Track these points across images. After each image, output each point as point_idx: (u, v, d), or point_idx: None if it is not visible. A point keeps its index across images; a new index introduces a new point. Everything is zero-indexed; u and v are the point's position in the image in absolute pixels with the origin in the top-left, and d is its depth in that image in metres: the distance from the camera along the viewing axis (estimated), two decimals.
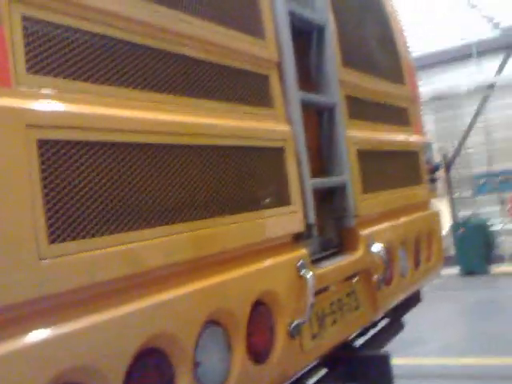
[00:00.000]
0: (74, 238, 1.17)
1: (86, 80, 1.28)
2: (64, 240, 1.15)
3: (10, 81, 1.12)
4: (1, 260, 1.03)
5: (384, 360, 2.49)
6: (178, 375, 1.37)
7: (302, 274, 1.87)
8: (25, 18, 1.17)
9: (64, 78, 1.23)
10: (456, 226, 10.08)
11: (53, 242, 1.12)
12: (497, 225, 10.72)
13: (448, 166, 10.51)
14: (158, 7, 1.51)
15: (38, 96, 1.17)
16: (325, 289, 2.11)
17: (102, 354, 1.17)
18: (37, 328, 1.08)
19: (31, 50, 1.17)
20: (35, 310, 1.10)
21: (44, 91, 1.18)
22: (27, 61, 1.16)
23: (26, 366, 1.04)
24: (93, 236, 1.21)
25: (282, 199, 1.89)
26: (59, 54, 1.23)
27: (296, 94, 2.05)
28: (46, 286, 1.10)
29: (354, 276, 2.33)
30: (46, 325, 1.10)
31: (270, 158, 1.86)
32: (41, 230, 1.10)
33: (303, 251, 1.94)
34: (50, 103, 1.18)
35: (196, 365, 1.43)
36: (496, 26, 11.20)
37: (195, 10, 1.65)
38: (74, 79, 1.25)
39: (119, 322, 1.23)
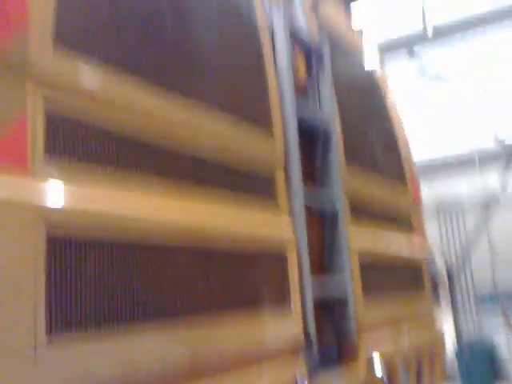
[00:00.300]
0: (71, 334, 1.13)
1: (98, 176, 1.29)
2: (61, 335, 1.10)
3: (26, 166, 1.13)
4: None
5: None
6: None
7: None
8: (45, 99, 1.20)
9: (77, 172, 1.24)
10: (460, 351, 9.74)
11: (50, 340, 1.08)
12: (502, 346, 10.38)
13: (451, 281, 10.35)
14: (173, 111, 1.54)
15: (51, 190, 1.17)
16: None
17: None
18: None
19: (50, 136, 1.19)
20: None
21: (57, 185, 1.19)
22: (45, 153, 1.17)
23: None
24: (91, 337, 1.17)
25: (283, 308, 1.84)
26: (75, 149, 1.25)
27: (301, 200, 2.06)
28: None
29: None
30: None
31: (272, 264, 1.83)
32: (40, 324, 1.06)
33: (301, 364, 1.86)
34: (62, 198, 1.18)
35: None
36: (501, 143, 11.45)
37: (208, 110, 1.69)
38: (86, 174, 1.26)
39: None
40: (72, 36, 1.26)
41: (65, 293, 1.13)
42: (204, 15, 1.77)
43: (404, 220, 3.16)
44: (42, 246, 1.10)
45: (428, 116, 11.35)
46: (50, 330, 1.08)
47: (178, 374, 1.37)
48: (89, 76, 1.29)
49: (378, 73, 3.43)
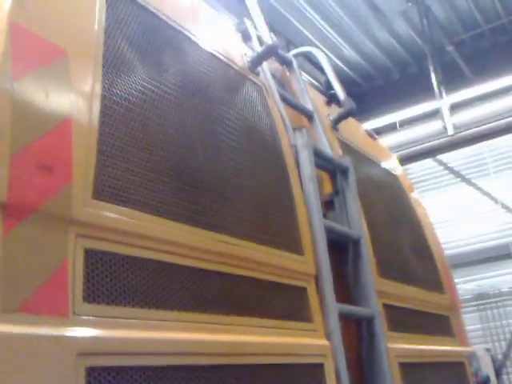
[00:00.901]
0: None
1: (136, 306, 1.38)
2: None
3: (67, 311, 1.22)
4: None
5: None
6: None
7: None
8: (87, 251, 1.31)
9: (116, 305, 1.34)
10: None
11: None
12: None
13: (499, 371, 9.91)
14: (205, 242, 1.66)
15: (89, 324, 1.26)
16: None
17: None
18: None
19: (89, 281, 1.30)
20: None
21: (96, 319, 1.28)
22: (84, 291, 1.28)
23: None
24: None
25: None
26: (113, 283, 1.35)
27: (334, 307, 2.11)
28: None
29: None
30: None
31: (309, 373, 1.87)
32: None
33: None
34: (100, 331, 1.27)
35: None
36: None
37: (244, 234, 1.81)
38: (124, 305, 1.36)
39: None
40: (109, 188, 1.41)
41: None
42: (232, 146, 1.94)
43: (443, 322, 3.13)
44: (81, 378, 1.18)
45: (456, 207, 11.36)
46: None
47: None
48: (125, 220, 1.42)
49: (399, 172, 3.54)
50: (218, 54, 2.14)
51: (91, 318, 1.27)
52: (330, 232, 2.30)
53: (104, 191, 1.38)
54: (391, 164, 3.50)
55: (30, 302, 1.15)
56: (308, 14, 8.76)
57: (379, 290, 2.51)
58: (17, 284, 1.14)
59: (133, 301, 1.38)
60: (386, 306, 2.57)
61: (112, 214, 1.38)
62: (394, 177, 3.41)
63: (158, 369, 1.34)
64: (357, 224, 2.54)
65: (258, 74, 2.38)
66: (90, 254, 1.31)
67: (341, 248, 2.51)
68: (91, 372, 1.21)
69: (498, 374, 9.91)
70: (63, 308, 1.21)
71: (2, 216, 1.15)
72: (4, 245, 1.13)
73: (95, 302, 1.29)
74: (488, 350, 9.82)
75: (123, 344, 1.30)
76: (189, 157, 1.70)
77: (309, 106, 2.78)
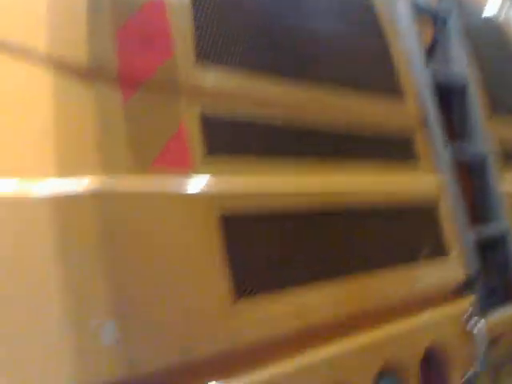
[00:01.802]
0: (255, 295, 1.34)
1: (252, 158, 1.48)
2: (247, 297, 1.32)
3: (192, 166, 1.33)
4: (198, 317, 1.21)
5: None
6: None
7: (469, 325, 1.88)
8: (199, 115, 1.40)
9: (236, 157, 1.44)
10: None
11: (238, 299, 1.30)
12: None
13: None
14: (307, 97, 1.69)
15: (215, 176, 1.36)
16: (496, 339, 2.06)
17: None
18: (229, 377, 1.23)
19: (206, 140, 1.39)
20: (227, 361, 1.26)
21: (219, 171, 1.38)
22: (204, 146, 1.37)
23: None
24: (271, 293, 1.37)
25: (442, 251, 1.94)
26: (229, 137, 1.44)
27: (444, 147, 2.12)
28: (235, 338, 1.26)
29: None
30: (237, 373, 1.25)
31: (426, 213, 1.93)
32: (228, 290, 1.28)
33: (469, 301, 1.95)
34: (225, 181, 1.38)
35: None
36: None
37: (340, 82, 1.82)
38: (243, 157, 1.45)
39: (299, 372, 1.35)
40: (210, 49, 1.46)
41: (242, 262, 1.33)
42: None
43: None
44: (217, 226, 1.29)
45: None
46: (235, 293, 1.28)
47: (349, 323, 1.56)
48: (229, 79, 1.49)
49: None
50: None
51: (214, 169, 1.37)
52: (435, 75, 2.24)
53: (206, 55, 1.44)
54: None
55: (158, 160, 1.26)
56: None
57: (490, 131, 2.46)
58: (143, 145, 1.24)
59: (250, 153, 1.47)
60: (498, 147, 2.52)
61: (214, 72, 1.44)
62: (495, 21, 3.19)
63: (276, 216, 1.45)
64: (462, 64, 2.45)
65: None
66: (203, 116, 1.40)
67: (445, 97, 2.45)
68: (225, 219, 1.31)
69: None
70: (187, 161, 1.32)
71: (119, 87, 1.24)
72: (126, 112, 1.23)
73: (215, 155, 1.39)
74: None
75: (250, 189, 1.41)
76: (285, 15, 1.71)
77: None
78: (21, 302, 1.11)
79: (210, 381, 1.18)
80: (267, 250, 1.40)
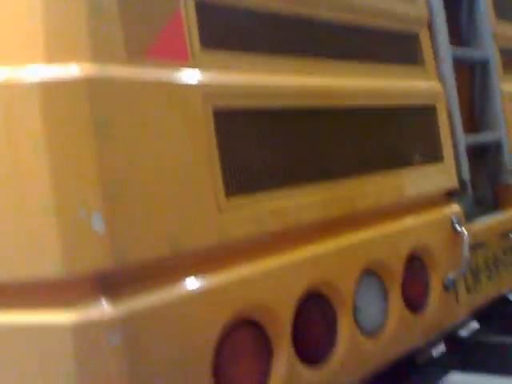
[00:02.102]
0: (245, 193, 1.33)
1: (250, 52, 1.42)
2: (237, 194, 1.31)
3: (187, 56, 1.28)
4: (188, 212, 1.21)
5: None
6: (340, 318, 1.50)
7: (456, 228, 1.91)
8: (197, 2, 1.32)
9: (231, 50, 1.37)
10: None
11: (229, 196, 1.29)
12: None
13: None
14: None
15: (209, 68, 1.31)
16: (480, 244, 2.11)
17: (273, 296, 1.32)
18: (216, 271, 1.24)
19: (204, 27, 1.32)
20: (215, 256, 1.27)
21: (214, 63, 1.33)
22: (200, 38, 1.31)
23: (209, 304, 1.19)
24: (259, 191, 1.36)
25: (435, 156, 1.93)
26: (227, 29, 1.38)
27: (447, 51, 2.05)
28: (224, 233, 1.27)
29: (509, 233, 2.29)
30: (224, 268, 1.26)
31: (422, 115, 1.90)
32: (219, 186, 1.27)
33: (457, 207, 1.97)
34: (220, 73, 1.33)
35: (355, 309, 1.55)
36: None
37: None
38: (239, 51, 1.39)
39: (287, 268, 1.38)
40: None
41: (233, 160, 1.31)
42: None
43: None
44: (210, 120, 1.26)
45: None
46: (225, 190, 1.27)
47: (340, 223, 1.57)
48: None
49: None
50: None
51: (210, 62, 1.32)
52: None
53: None
54: None
55: (152, 48, 1.20)
56: None
57: (495, 33, 2.37)
58: (138, 31, 1.18)
59: (248, 47, 1.41)
60: (502, 50, 2.44)
61: None
62: None
63: (268, 111, 1.41)
64: None
65: None
66: (200, 4, 1.32)
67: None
68: (219, 114, 1.28)
69: None
70: (183, 53, 1.26)
71: None
72: None
73: (212, 47, 1.33)
74: None
75: (245, 85, 1.36)
76: None
77: None
78: (11, 189, 1.10)
79: (197, 274, 1.20)
80: (259, 149, 1.37)
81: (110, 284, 1.06)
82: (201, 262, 1.23)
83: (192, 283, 1.18)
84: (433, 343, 2.06)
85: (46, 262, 1.07)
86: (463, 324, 2.08)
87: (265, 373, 1.30)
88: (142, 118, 1.14)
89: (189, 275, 1.19)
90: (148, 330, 1.07)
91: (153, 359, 1.07)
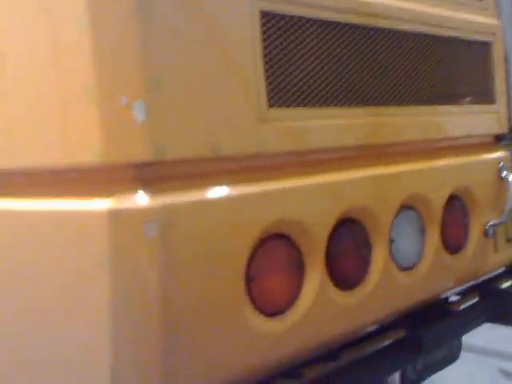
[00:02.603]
0: (289, 106, 1.29)
1: None
2: (281, 106, 1.28)
3: None
4: (229, 116, 1.18)
5: None
6: (375, 247, 1.47)
7: (503, 175, 1.84)
8: None
9: None
10: None
11: (271, 106, 1.26)
12: None
13: None
14: None
15: None
16: None
17: (309, 213, 1.30)
18: (254, 181, 1.22)
19: None
20: (254, 166, 1.24)
21: None
22: None
23: (244, 212, 1.17)
24: (305, 106, 1.33)
25: (486, 98, 1.86)
26: None
27: None
28: (265, 144, 1.24)
29: None
30: (263, 180, 1.24)
31: (477, 52, 1.82)
32: (262, 96, 1.23)
33: (505, 153, 1.90)
34: None
35: (391, 241, 1.51)
36: None
37: None
38: None
39: (326, 188, 1.35)
40: None
41: (280, 68, 1.27)
42: None
43: None
44: (257, 23, 1.21)
45: None
46: (270, 97, 1.24)
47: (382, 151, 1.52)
48: None
49: None
50: None
51: None
52: None
53: None
54: None
55: None
56: None
57: None
58: None
59: None
60: None
61: None
62: None
63: (320, 22, 1.36)
64: None
65: None
66: None
67: None
68: (266, 17, 1.24)
69: None
70: None
71: None
72: None
73: None
74: None
75: None
76: None
77: None
78: (51, 75, 1.09)
79: (235, 182, 1.18)
80: (306, 63, 1.33)
81: (148, 177, 1.05)
82: (239, 170, 1.21)
83: (230, 189, 1.16)
84: (466, 292, 2.02)
85: (84, 149, 1.06)
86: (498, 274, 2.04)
87: (296, 289, 1.28)
88: (186, 5, 1.10)
89: (227, 181, 1.17)
90: (183, 228, 1.06)
91: (185, 256, 1.06)
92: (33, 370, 1.26)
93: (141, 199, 1.02)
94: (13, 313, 1.27)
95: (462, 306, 2.03)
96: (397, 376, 2.02)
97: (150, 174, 1.05)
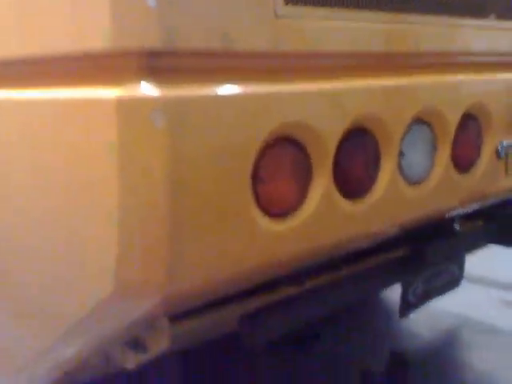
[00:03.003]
0: (306, 4, 1.25)
1: None
2: (298, 3, 1.23)
3: None
4: (242, 9, 1.13)
5: None
6: (384, 158, 1.46)
7: None
8: None
9: None
10: None
11: (287, 3, 1.21)
12: None
13: None
14: None
15: None
16: None
17: (319, 118, 1.28)
18: (266, 80, 1.19)
19: None
20: (267, 64, 1.22)
21: None
22: None
23: (255, 110, 1.15)
24: (324, 5, 1.28)
25: None
26: None
27: None
28: (279, 42, 1.21)
29: None
30: (274, 80, 1.21)
31: None
32: None
33: None
34: None
35: (401, 154, 1.50)
36: None
37: None
38: None
39: (338, 94, 1.32)
40: None
41: None
42: None
43: None
44: None
45: None
46: None
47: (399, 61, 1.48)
48: None
49: None
50: None
51: None
52: None
53: None
54: None
55: None
56: None
57: None
58: None
59: None
60: None
61: None
62: None
63: None
64: None
65: None
66: None
67: None
68: None
69: None
70: None
71: None
72: None
73: None
74: None
75: None
76: None
77: None
78: None
79: (248, 79, 1.16)
80: None
81: (158, 66, 1.03)
82: (251, 68, 1.18)
83: (240, 87, 1.14)
84: (473, 214, 2.03)
85: (93, 34, 1.04)
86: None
87: (302, 193, 1.29)
88: None
89: (238, 79, 1.15)
90: (191, 121, 1.05)
91: (193, 150, 1.06)
92: (36, 265, 1.29)
93: (150, 89, 1.01)
94: (15, 206, 1.29)
95: (467, 228, 2.05)
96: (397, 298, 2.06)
97: (161, 64, 1.03)
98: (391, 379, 3.06)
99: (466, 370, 3.31)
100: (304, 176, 1.28)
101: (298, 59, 1.26)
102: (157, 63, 1.03)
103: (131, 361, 1.29)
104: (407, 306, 1.93)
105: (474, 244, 2.05)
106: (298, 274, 1.63)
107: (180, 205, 1.03)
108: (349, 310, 3.83)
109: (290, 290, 1.64)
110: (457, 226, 1.97)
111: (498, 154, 1.78)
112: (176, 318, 1.36)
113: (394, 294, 1.91)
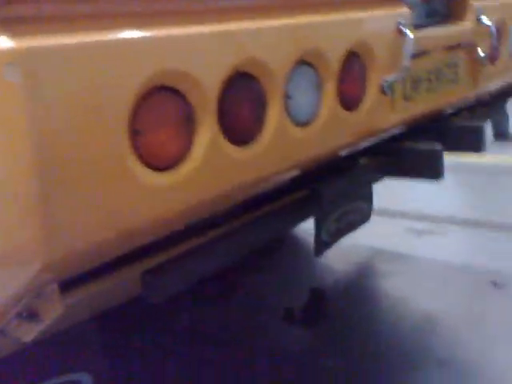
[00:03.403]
0: None
1: None
2: None
3: None
4: None
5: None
6: (270, 102, 1.45)
7: (402, 30, 1.83)
8: None
9: None
10: None
11: None
12: None
13: None
14: None
15: None
16: (424, 54, 2.06)
17: (197, 63, 1.24)
18: (131, 27, 1.13)
19: None
20: (136, 11, 1.15)
21: None
22: None
23: (126, 59, 1.10)
24: None
25: None
26: None
27: None
28: None
29: (457, 47, 2.25)
30: (142, 26, 1.15)
31: None
32: None
33: (406, 10, 1.88)
34: None
35: (286, 97, 1.50)
36: None
37: None
38: None
39: (216, 38, 1.29)
40: None
41: None
42: None
43: None
44: None
45: None
46: None
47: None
48: None
49: None
50: None
51: None
52: None
53: None
54: None
55: None
56: None
57: None
58: None
59: None
60: None
61: None
62: None
63: None
64: None
65: None
66: None
67: None
68: None
69: None
70: None
71: None
72: None
73: None
74: None
75: None
76: None
77: None
78: None
79: (108, 28, 1.09)
80: None
81: (9, 17, 0.96)
82: (118, 13, 1.13)
83: (105, 35, 1.08)
84: (366, 150, 2.09)
85: None
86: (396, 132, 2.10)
87: (186, 143, 1.26)
88: None
89: (102, 26, 1.08)
90: (52, 74, 0.97)
91: (57, 105, 0.99)
92: None
93: (2, 41, 0.94)
94: None
95: (363, 163, 2.11)
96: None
97: (12, 14, 0.96)
98: (312, 314, 3.19)
99: (381, 298, 3.50)
100: (185, 126, 1.25)
101: (168, 3, 1.22)
102: (8, 14, 0.95)
103: (28, 332, 1.25)
104: (321, 245, 1.98)
105: (371, 178, 2.12)
106: (199, 225, 1.62)
107: (46, 161, 0.97)
108: (268, 257, 3.92)
109: (193, 242, 1.63)
110: (352, 163, 2.02)
111: (382, 90, 1.82)
112: (73, 282, 1.32)
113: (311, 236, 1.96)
